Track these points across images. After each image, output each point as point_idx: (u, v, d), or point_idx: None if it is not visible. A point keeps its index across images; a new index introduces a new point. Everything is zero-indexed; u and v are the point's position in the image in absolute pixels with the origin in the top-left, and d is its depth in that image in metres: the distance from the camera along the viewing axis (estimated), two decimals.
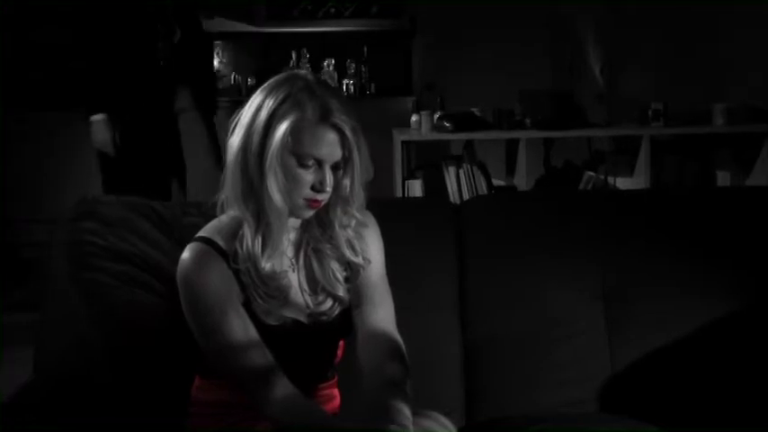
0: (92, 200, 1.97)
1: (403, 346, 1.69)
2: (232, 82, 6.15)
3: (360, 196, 1.65)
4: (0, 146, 5.64)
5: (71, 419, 1.71)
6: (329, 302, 1.69)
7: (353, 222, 1.68)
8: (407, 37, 6.21)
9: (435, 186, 4.56)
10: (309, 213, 1.63)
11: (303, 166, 1.58)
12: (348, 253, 1.69)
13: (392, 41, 6.24)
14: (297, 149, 1.56)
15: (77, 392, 1.78)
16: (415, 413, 1.55)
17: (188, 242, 1.63)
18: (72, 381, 1.81)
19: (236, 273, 1.60)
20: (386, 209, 1.82)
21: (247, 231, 1.60)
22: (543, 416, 1.91)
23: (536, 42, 5.85)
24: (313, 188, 1.59)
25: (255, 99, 1.60)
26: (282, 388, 1.56)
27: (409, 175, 4.68)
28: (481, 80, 5.74)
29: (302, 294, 1.68)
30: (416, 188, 4.60)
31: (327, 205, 1.64)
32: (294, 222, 1.67)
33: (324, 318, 1.69)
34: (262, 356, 1.58)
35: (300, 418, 1.54)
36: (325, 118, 1.57)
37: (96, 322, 1.84)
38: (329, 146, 1.57)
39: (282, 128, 1.55)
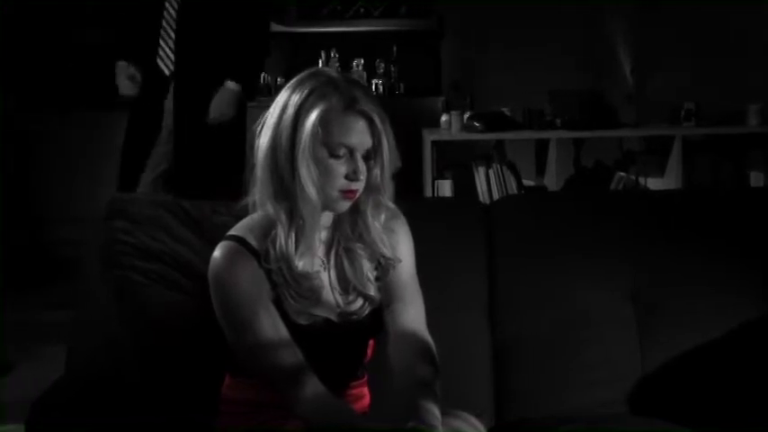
0: (122, 199, 1.98)
1: (433, 346, 1.68)
2: (261, 81, 6.17)
3: (390, 186, 1.65)
4: (31, 145, 5.69)
5: (101, 418, 1.72)
6: (360, 302, 1.69)
7: (384, 214, 1.68)
8: (436, 37, 6.20)
9: (465, 186, 4.56)
10: (345, 206, 1.63)
11: (335, 156, 1.58)
12: (379, 249, 1.69)
13: (421, 41, 6.23)
14: (327, 140, 1.57)
15: (108, 390, 1.79)
16: (444, 413, 1.54)
17: (218, 241, 1.64)
18: (103, 379, 1.82)
19: (268, 272, 1.60)
20: (416, 208, 1.82)
21: (280, 231, 1.60)
22: (573, 416, 1.90)
23: (566, 42, 5.82)
24: (347, 178, 1.59)
25: (281, 98, 1.62)
26: (312, 387, 1.56)
27: (439, 175, 4.68)
28: (511, 80, 5.71)
29: (333, 294, 1.68)
30: (446, 188, 4.60)
31: (358, 198, 1.64)
32: (325, 221, 1.68)
33: (354, 317, 1.69)
34: (292, 355, 1.58)
35: (330, 417, 1.54)
36: (351, 106, 1.58)
37: (127, 321, 1.85)
38: (359, 133, 1.58)
39: (311, 120, 1.56)
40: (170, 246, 1.87)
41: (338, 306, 1.68)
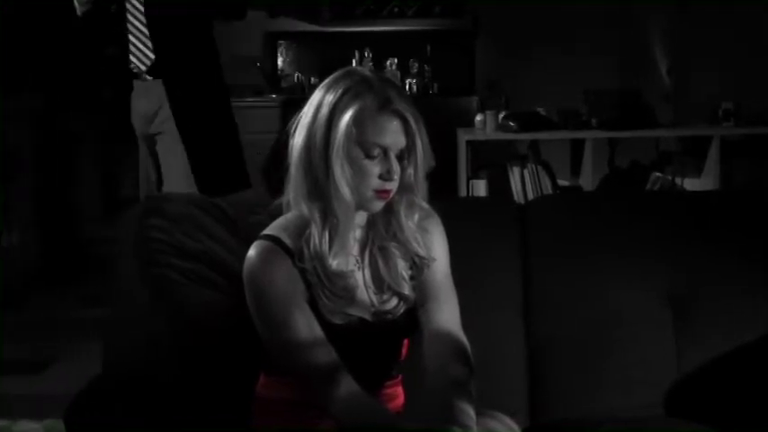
0: (159, 196, 1.99)
1: (468, 346, 1.68)
2: (295, 81, 6.20)
3: (423, 186, 1.65)
4: (70, 144, 5.75)
5: (137, 416, 1.74)
6: (394, 301, 1.69)
7: (418, 214, 1.68)
8: (470, 36, 6.19)
9: (499, 186, 4.55)
10: (379, 205, 1.63)
11: (369, 156, 1.58)
12: (413, 248, 1.68)
13: (455, 41, 6.22)
14: (361, 139, 1.57)
15: (144, 388, 1.80)
16: (479, 413, 1.54)
17: (254, 240, 1.65)
18: (139, 377, 1.83)
19: (302, 271, 1.60)
20: (450, 208, 1.82)
21: (314, 230, 1.60)
22: (609, 417, 1.89)
23: (602, 41, 5.79)
24: (381, 177, 1.59)
25: (315, 97, 1.62)
26: (346, 386, 1.56)
27: (473, 174, 4.68)
28: (545, 79, 5.70)
29: (367, 293, 1.68)
30: (481, 188, 4.60)
31: (392, 198, 1.64)
32: (360, 220, 1.68)
33: (389, 316, 1.68)
34: (326, 354, 1.58)
35: (364, 417, 1.54)
36: (386, 106, 1.58)
37: (163, 319, 1.86)
38: (393, 133, 1.58)
39: (345, 119, 1.56)
40: (206, 244, 1.88)
41: (373, 305, 1.68)
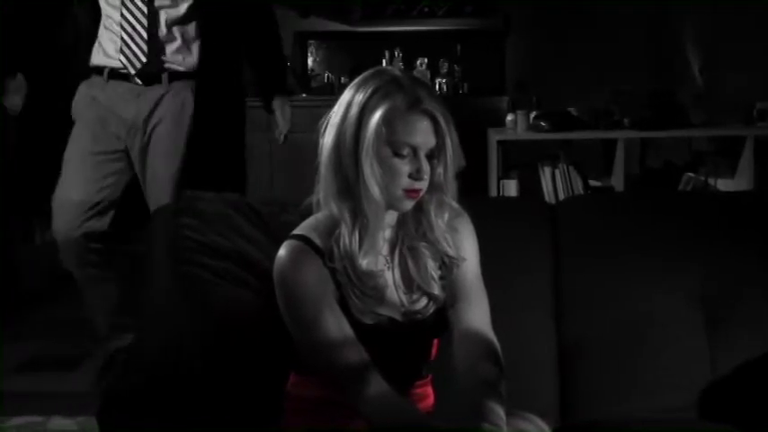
0: (191, 195, 2.00)
1: (498, 346, 1.68)
2: (325, 81, 6.22)
3: (453, 185, 1.65)
4: None
5: (168, 414, 1.75)
6: (424, 301, 1.69)
7: (447, 213, 1.68)
8: (501, 36, 6.18)
9: (530, 186, 4.55)
10: (408, 205, 1.63)
11: (399, 155, 1.59)
12: (443, 248, 1.68)
13: (485, 40, 6.22)
14: (391, 139, 1.57)
15: (175, 386, 1.81)
16: (509, 414, 1.54)
17: (285, 239, 1.65)
18: (169, 375, 1.84)
19: (332, 271, 1.61)
20: (481, 208, 1.82)
21: (344, 230, 1.61)
22: (639, 419, 1.89)
23: (633, 40, 5.76)
24: (410, 177, 1.59)
25: (344, 97, 1.63)
26: (376, 385, 1.56)
27: (504, 174, 4.67)
28: (576, 79, 5.68)
29: (397, 293, 1.68)
30: (511, 188, 4.60)
31: (422, 197, 1.64)
32: (390, 220, 1.68)
33: (419, 316, 1.68)
34: (356, 354, 1.58)
35: (394, 416, 1.54)
36: (416, 105, 1.58)
37: (194, 317, 1.87)
38: (423, 133, 1.58)
39: (375, 119, 1.57)
40: (238, 244, 1.89)
41: (402, 305, 1.68)
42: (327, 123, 1.64)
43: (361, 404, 1.56)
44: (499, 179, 4.63)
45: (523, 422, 1.54)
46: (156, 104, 2.98)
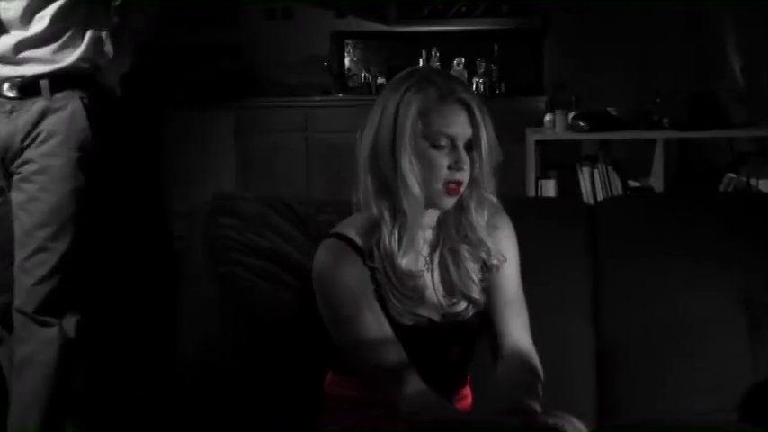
0: (229, 195, 2.02)
1: (536, 356, 1.68)
2: (362, 81, 6.22)
3: (491, 180, 1.64)
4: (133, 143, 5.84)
5: (207, 411, 1.76)
6: (463, 304, 1.69)
7: (487, 210, 1.67)
8: (539, 36, 6.15)
9: (569, 187, 4.54)
10: (449, 202, 1.62)
11: (436, 147, 1.59)
12: (484, 248, 1.68)
13: (523, 40, 6.19)
14: (427, 131, 1.58)
15: (215, 384, 1.82)
16: (547, 414, 1.52)
17: (322, 238, 1.65)
18: (210, 373, 1.85)
19: (372, 271, 1.61)
20: (519, 208, 1.81)
21: (384, 229, 1.61)
22: (679, 421, 1.88)
23: (672, 40, 5.71)
24: (449, 168, 1.59)
25: (380, 99, 1.64)
26: (415, 385, 1.56)
27: (542, 174, 4.67)
28: (615, 79, 5.63)
29: (436, 295, 1.68)
30: (550, 188, 4.59)
31: (462, 194, 1.63)
32: (430, 220, 1.67)
33: (459, 318, 1.68)
34: (395, 354, 1.58)
35: (433, 415, 1.54)
36: (449, 95, 1.59)
37: (233, 316, 1.88)
38: (459, 122, 1.59)
39: (410, 113, 1.58)
40: (276, 243, 1.90)
41: (441, 307, 1.67)
42: (365, 126, 1.65)
43: (399, 403, 1.56)
44: (537, 179, 4.62)
45: (562, 422, 1.53)
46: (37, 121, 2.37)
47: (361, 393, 1.67)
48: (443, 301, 1.68)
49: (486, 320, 1.70)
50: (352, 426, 1.67)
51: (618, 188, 4.56)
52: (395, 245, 1.60)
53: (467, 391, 1.78)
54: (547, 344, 1.74)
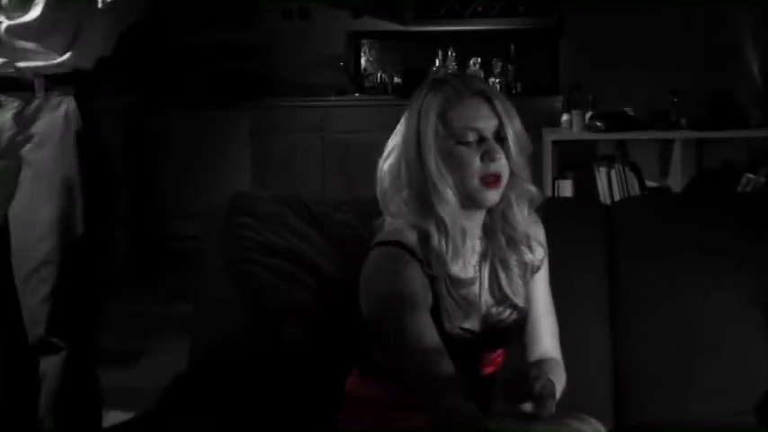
0: (246, 194, 2.02)
1: (560, 358, 1.69)
2: (378, 80, 6.23)
3: (526, 169, 1.62)
4: (150, 143, 5.87)
5: (225, 411, 1.76)
6: (508, 311, 1.67)
7: (528, 202, 1.65)
8: (555, 35, 6.14)
9: (586, 187, 4.53)
10: (491, 196, 1.59)
11: (464, 143, 1.57)
12: (527, 250, 1.66)
13: (539, 40, 6.19)
14: (451, 130, 1.57)
15: (232, 384, 1.83)
16: (566, 415, 1.52)
17: (339, 238, 1.65)
18: (226, 372, 1.86)
19: (430, 279, 1.58)
20: (536, 208, 1.80)
21: (432, 240, 1.57)
22: (696, 422, 1.87)
23: (690, 39, 5.68)
24: (482, 160, 1.57)
25: (402, 119, 1.63)
26: (459, 399, 1.52)
27: (559, 174, 4.66)
28: (632, 79, 5.62)
29: (484, 304, 1.66)
30: (566, 188, 4.58)
31: (504, 191, 1.61)
32: (475, 226, 1.64)
33: (501, 324, 1.67)
34: (447, 364, 1.54)
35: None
36: (465, 89, 1.58)
37: (249, 315, 1.89)
38: (481, 114, 1.57)
39: (430, 120, 1.57)
40: (293, 242, 1.90)
41: (489, 315, 1.66)
42: (390, 148, 1.64)
43: (442, 415, 1.51)
44: (554, 179, 4.61)
45: (580, 423, 1.52)
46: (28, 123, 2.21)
47: (387, 395, 1.65)
48: (492, 310, 1.66)
49: (522, 325, 1.70)
50: (374, 426, 1.66)
51: (635, 188, 4.55)
52: (445, 254, 1.58)
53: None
54: (563, 343, 1.74)
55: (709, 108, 4.61)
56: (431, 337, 1.56)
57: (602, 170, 4.56)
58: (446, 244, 1.58)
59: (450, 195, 1.57)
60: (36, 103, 2.20)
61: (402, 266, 1.57)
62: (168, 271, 5.15)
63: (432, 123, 1.57)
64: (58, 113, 2.21)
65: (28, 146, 2.21)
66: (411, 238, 1.59)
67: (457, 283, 1.59)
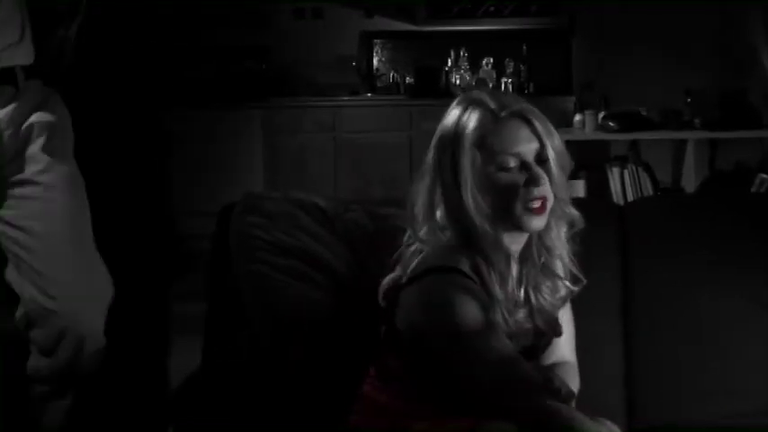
0: (257, 194, 2.02)
1: (576, 365, 1.69)
2: (390, 80, 6.23)
3: (567, 189, 1.59)
4: (164, 143, 5.89)
5: (237, 412, 1.77)
6: (536, 336, 1.65)
7: (566, 225, 1.61)
8: (567, 35, 6.13)
9: (598, 187, 4.52)
10: (537, 222, 1.54)
11: (506, 170, 1.52)
12: (562, 274, 1.61)
13: (551, 40, 6.18)
14: (491, 156, 1.52)
15: (244, 384, 1.83)
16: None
17: (350, 237, 1.65)
18: (239, 373, 1.86)
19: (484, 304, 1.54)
20: None
21: (480, 266, 1.54)
22: (709, 423, 1.87)
23: (703, 39, 5.67)
24: (526, 185, 1.52)
25: (434, 139, 1.58)
26: (549, 399, 1.49)
27: (572, 175, 4.65)
28: (645, 79, 5.61)
29: (524, 326, 1.62)
30: (579, 188, 4.57)
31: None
32: (515, 249, 1.60)
33: (541, 344, 1.65)
34: (530, 368, 1.53)
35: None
36: (502, 112, 1.53)
37: (260, 315, 1.89)
38: (522, 138, 1.53)
39: (467, 146, 1.52)
40: (304, 241, 1.90)
41: (527, 338, 1.63)
42: (423, 174, 1.58)
43: (537, 412, 1.47)
44: (567, 180, 4.60)
45: (595, 425, 1.52)
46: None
47: (402, 403, 1.61)
48: (530, 335, 1.62)
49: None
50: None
51: (648, 189, 4.54)
52: (492, 281, 1.53)
53: None
54: (577, 343, 1.74)
55: (722, 108, 4.60)
56: (505, 344, 1.52)
57: (615, 170, 4.55)
58: (492, 271, 1.53)
59: (487, 228, 1.52)
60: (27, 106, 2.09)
61: (467, 291, 1.51)
62: (180, 271, 5.15)
63: (468, 150, 1.52)
64: (51, 119, 2.11)
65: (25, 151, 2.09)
66: (463, 262, 1.54)
67: (511, 308, 1.55)
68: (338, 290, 1.65)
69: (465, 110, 1.55)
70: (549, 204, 1.55)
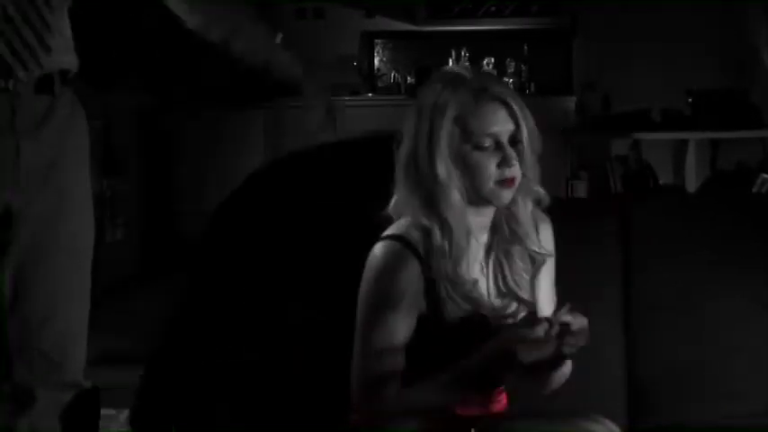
0: (253, 199, 2.03)
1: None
2: (391, 80, 6.24)
3: (535, 169, 1.61)
4: (168, 142, 5.90)
5: (237, 411, 1.77)
6: (514, 305, 1.66)
7: (531, 202, 1.64)
8: (568, 35, 6.14)
9: (600, 187, 4.53)
10: (506, 196, 1.59)
11: (480, 148, 1.56)
12: (531, 242, 1.65)
13: (552, 40, 6.19)
14: (468, 135, 1.56)
15: (244, 384, 1.83)
16: (582, 417, 1.53)
17: (350, 231, 1.65)
18: (238, 373, 1.86)
19: (427, 279, 1.57)
20: (550, 209, 1.79)
21: (435, 241, 1.57)
22: (710, 424, 1.87)
23: (704, 39, 5.67)
24: (498, 167, 1.56)
25: (413, 108, 1.61)
26: (395, 389, 1.55)
27: (573, 175, 4.67)
28: (647, 79, 5.61)
29: (491, 299, 1.65)
30: (581, 188, 4.58)
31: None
32: (483, 222, 1.64)
33: (509, 320, 1.66)
34: (391, 364, 1.56)
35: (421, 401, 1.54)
36: (483, 93, 1.56)
37: (261, 316, 1.89)
38: (498, 120, 1.56)
39: (446, 121, 1.55)
40: (304, 235, 1.90)
41: (494, 309, 1.65)
42: (400, 140, 1.62)
43: (379, 404, 1.54)
44: (568, 180, 4.62)
45: (597, 425, 1.53)
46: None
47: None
48: (497, 304, 1.65)
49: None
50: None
51: (649, 189, 4.55)
52: (447, 255, 1.56)
53: (503, 395, 1.76)
54: None
55: (724, 108, 4.60)
56: (394, 339, 1.55)
57: (616, 170, 4.57)
58: (449, 244, 1.57)
59: (457, 198, 1.56)
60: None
61: (399, 264, 1.56)
62: (183, 271, 5.15)
63: (447, 127, 1.55)
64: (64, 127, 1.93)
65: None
66: (415, 235, 1.58)
67: (458, 284, 1.58)
68: (339, 286, 1.65)
69: (446, 86, 1.58)
70: (518, 181, 1.59)
